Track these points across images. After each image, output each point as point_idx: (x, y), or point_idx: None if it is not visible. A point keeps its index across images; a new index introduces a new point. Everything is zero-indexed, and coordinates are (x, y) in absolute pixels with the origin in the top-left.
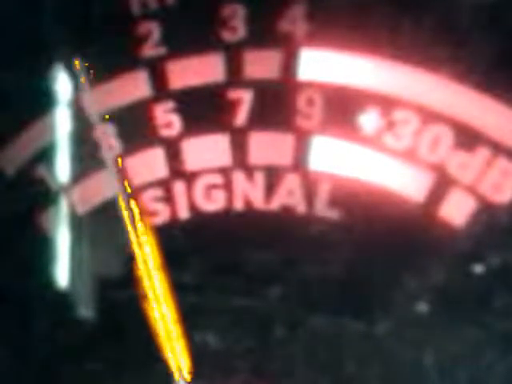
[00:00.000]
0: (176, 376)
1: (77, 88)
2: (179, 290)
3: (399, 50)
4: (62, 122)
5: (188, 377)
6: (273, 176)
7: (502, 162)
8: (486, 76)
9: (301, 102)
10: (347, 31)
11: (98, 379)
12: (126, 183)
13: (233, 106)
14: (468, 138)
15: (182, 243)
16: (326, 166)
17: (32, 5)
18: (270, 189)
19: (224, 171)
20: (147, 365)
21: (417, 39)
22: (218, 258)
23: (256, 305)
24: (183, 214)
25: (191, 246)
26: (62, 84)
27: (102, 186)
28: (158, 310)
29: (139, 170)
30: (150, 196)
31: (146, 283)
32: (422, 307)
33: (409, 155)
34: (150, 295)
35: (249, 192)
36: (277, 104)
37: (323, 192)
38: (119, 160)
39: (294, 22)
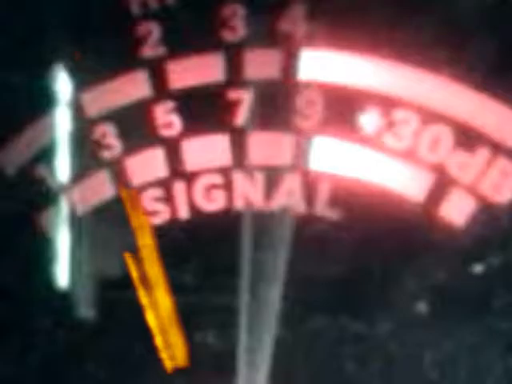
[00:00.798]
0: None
1: (77, 88)
2: (179, 290)
3: (399, 50)
4: (61, 121)
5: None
6: (273, 176)
7: (501, 162)
8: (486, 76)
9: (301, 102)
10: (347, 31)
11: (97, 379)
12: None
13: (233, 105)
14: (468, 138)
15: (182, 243)
16: (326, 166)
17: (32, 5)
18: (270, 189)
19: (224, 171)
20: (147, 364)
21: (417, 39)
22: (218, 258)
23: (256, 305)
24: (183, 213)
25: (191, 246)
26: (62, 84)
27: (101, 186)
28: (153, 301)
29: (139, 170)
30: (150, 196)
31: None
32: (422, 307)
33: (409, 155)
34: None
35: (249, 192)
36: (277, 104)
37: (323, 192)
38: (119, 160)
39: (294, 22)
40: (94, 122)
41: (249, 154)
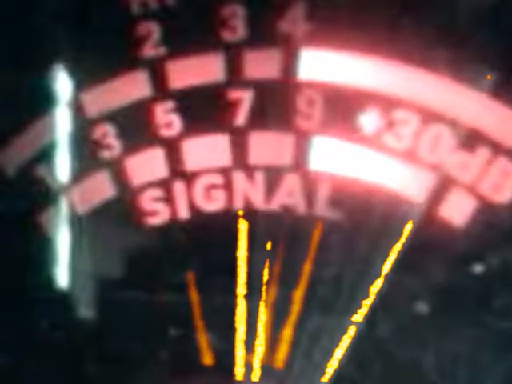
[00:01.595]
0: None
1: (77, 88)
2: (179, 290)
3: (399, 50)
4: (61, 122)
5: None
6: (273, 176)
7: (501, 162)
8: (486, 76)
9: (301, 102)
10: (347, 31)
11: (97, 379)
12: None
13: (233, 105)
14: (468, 138)
15: (182, 243)
16: (326, 166)
17: (32, 5)
18: (270, 189)
19: (224, 171)
20: (147, 364)
21: (417, 39)
22: (218, 258)
23: (256, 305)
24: (183, 213)
25: (191, 246)
26: (62, 84)
27: (101, 186)
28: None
29: (139, 170)
30: (150, 196)
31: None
32: (422, 307)
33: (409, 155)
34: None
35: (249, 192)
36: (277, 104)
37: (323, 192)
38: (119, 160)
39: (294, 22)
40: (93, 121)
41: (249, 153)
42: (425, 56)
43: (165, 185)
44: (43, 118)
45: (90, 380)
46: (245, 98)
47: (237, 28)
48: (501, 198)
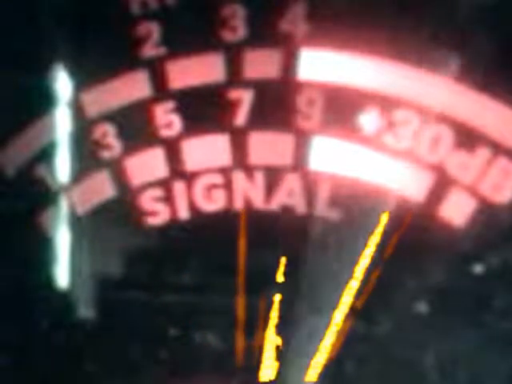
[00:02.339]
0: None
1: (77, 88)
2: (179, 290)
3: (399, 50)
4: (61, 122)
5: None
6: (273, 176)
7: (501, 162)
8: (486, 76)
9: (301, 102)
10: (347, 31)
11: (97, 379)
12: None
13: (233, 106)
14: (468, 138)
15: (182, 243)
16: (326, 166)
17: (32, 5)
18: (270, 189)
19: (224, 171)
20: (146, 365)
21: (417, 39)
22: (218, 258)
23: (256, 305)
24: (183, 213)
25: (191, 245)
26: (62, 84)
27: (101, 186)
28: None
29: (139, 170)
30: (150, 196)
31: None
32: (422, 307)
33: (409, 155)
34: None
35: (249, 192)
36: (277, 104)
37: (323, 192)
38: (119, 160)
39: (294, 22)
40: (94, 121)
41: (249, 153)
42: (425, 56)
43: (165, 185)
44: (43, 118)
45: (90, 380)
46: (245, 98)
47: (237, 28)
48: (501, 198)
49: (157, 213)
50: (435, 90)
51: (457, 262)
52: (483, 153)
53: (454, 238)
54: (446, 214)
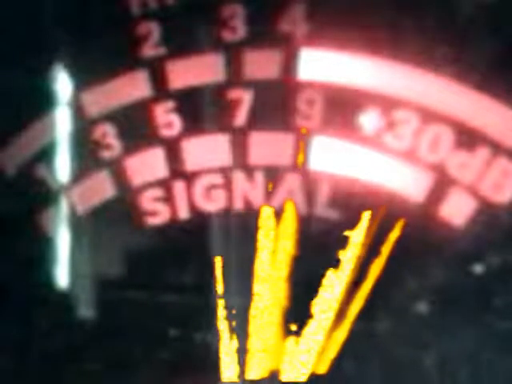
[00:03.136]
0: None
1: (77, 88)
2: (179, 290)
3: (399, 50)
4: (61, 122)
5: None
6: (273, 176)
7: (501, 162)
8: (486, 76)
9: (301, 102)
10: (347, 31)
11: (97, 379)
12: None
13: (233, 106)
14: (468, 137)
15: (182, 243)
16: (326, 166)
17: (32, 5)
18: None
19: (224, 171)
20: (146, 365)
21: (417, 39)
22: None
23: (256, 305)
24: (183, 213)
25: (191, 246)
26: (62, 84)
27: (102, 186)
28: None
29: (139, 170)
30: (150, 196)
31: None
32: (422, 307)
33: (409, 155)
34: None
35: (249, 192)
36: (277, 104)
37: (323, 192)
38: (119, 160)
39: (294, 22)
40: (94, 121)
41: (249, 153)
42: (425, 56)
43: (165, 185)
44: (43, 118)
45: (90, 380)
46: (245, 98)
47: (237, 28)
48: (501, 197)
49: (157, 213)
50: (435, 89)
51: (457, 261)
52: (483, 153)
53: (453, 238)
54: (446, 214)
